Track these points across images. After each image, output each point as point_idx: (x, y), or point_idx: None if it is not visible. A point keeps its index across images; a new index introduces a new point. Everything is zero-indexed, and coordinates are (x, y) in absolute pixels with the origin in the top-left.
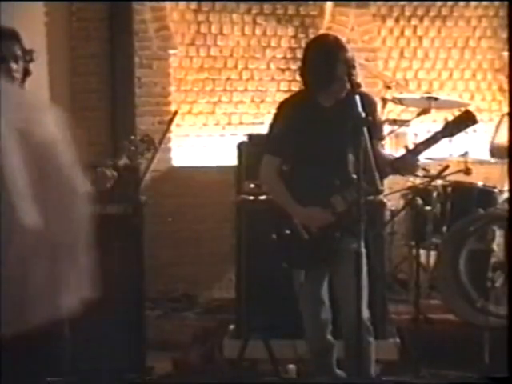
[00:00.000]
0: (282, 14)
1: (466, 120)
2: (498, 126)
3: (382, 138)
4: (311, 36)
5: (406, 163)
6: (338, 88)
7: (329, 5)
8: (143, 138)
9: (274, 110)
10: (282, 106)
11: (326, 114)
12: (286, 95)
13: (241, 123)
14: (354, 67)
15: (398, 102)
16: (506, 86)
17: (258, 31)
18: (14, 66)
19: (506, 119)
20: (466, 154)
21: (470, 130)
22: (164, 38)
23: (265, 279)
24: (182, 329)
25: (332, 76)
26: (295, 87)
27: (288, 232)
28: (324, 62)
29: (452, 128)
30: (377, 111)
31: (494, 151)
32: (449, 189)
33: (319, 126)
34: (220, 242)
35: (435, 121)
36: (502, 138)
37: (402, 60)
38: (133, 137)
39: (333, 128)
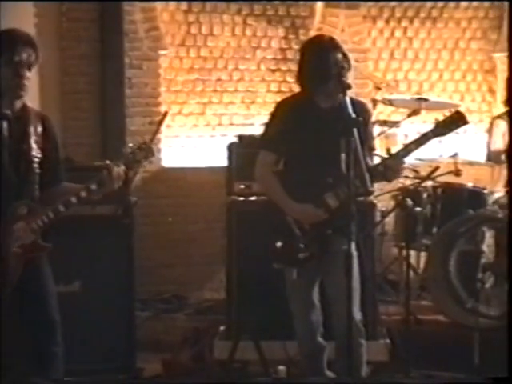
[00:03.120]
0: (272, 15)
1: (457, 120)
2: (490, 131)
3: (373, 149)
4: (302, 37)
5: (392, 164)
6: (334, 86)
7: (319, 6)
8: (141, 145)
9: (264, 111)
10: (279, 106)
11: (323, 114)
12: (277, 96)
13: (231, 124)
14: (344, 68)
15: (388, 103)
16: (495, 88)
17: (248, 32)
18: (27, 73)
19: (496, 122)
20: (456, 155)
21: (460, 130)
22: (154, 39)
23: (255, 280)
24: (172, 330)
25: (327, 74)
26: (285, 88)
27: (282, 244)
28: (319, 61)
29: (443, 128)
30: (370, 120)
31: (492, 156)
32: (439, 190)
33: (316, 126)
34: (210, 243)
35: (425, 122)
36: (497, 143)
37: (393, 61)
38: (131, 144)
39: (328, 128)
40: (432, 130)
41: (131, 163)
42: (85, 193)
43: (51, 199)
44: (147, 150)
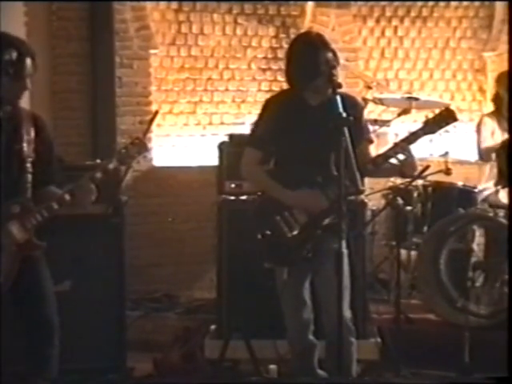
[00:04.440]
0: (263, 14)
1: (447, 117)
2: (478, 129)
3: (371, 141)
4: (292, 36)
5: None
6: (323, 83)
7: (310, 5)
8: (134, 140)
9: (255, 110)
10: (268, 104)
11: (312, 112)
12: (267, 95)
13: (222, 123)
14: (335, 67)
15: (379, 102)
16: (485, 87)
17: (239, 31)
18: (29, 84)
19: (484, 121)
20: (446, 154)
21: (450, 127)
22: (145, 38)
23: (246, 279)
24: (163, 329)
25: (316, 70)
26: (276, 87)
27: (269, 232)
28: (307, 56)
29: (432, 125)
30: (363, 113)
31: (483, 154)
32: (429, 189)
33: (304, 124)
34: (201, 242)
35: (416, 121)
36: (487, 141)
37: (383, 60)
38: (124, 140)
39: (317, 126)
40: (422, 128)
41: (125, 158)
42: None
43: (42, 199)
44: (140, 144)
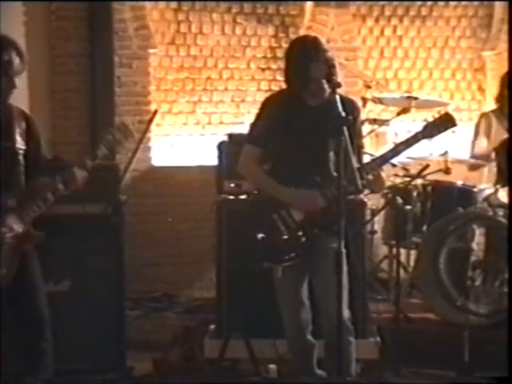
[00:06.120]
0: (262, 14)
1: (446, 122)
2: (476, 132)
3: (362, 147)
4: (291, 35)
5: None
6: (315, 89)
7: (309, 4)
8: (119, 126)
9: (254, 110)
10: (266, 103)
11: (310, 112)
12: (267, 94)
13: (221, 123)
14: (333, 67)
15: (378, 101)
16: (485, 86)
17: (238, 30)
18: (17, 83)
19: (482, 121)
20: (445, 153)
21: (449, 131)
22: (144, 38)
23: (245, 279)
24: (162, 328)
25: (307, 77)
26: (276, 86)
27: (262, 235)
28: (300, 62)
29: (431, 129)
30: (359, 117)
31: (478, 158)
32: (429, 188)
33: (303, 123)
34: (200, 242)
35: (415, 120)
36: (482, 146)
37: (382, 59)
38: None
39: (316, 126)
40: (421, 131)
41: (112, 144)
42: (62, 186)
43: (35, 191)
44: (125, 129)
